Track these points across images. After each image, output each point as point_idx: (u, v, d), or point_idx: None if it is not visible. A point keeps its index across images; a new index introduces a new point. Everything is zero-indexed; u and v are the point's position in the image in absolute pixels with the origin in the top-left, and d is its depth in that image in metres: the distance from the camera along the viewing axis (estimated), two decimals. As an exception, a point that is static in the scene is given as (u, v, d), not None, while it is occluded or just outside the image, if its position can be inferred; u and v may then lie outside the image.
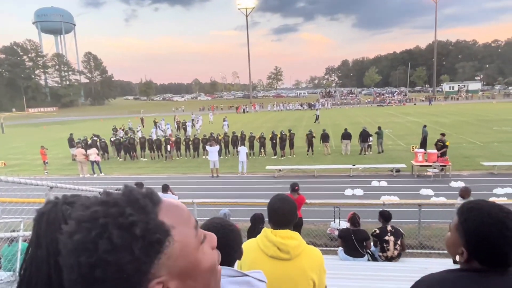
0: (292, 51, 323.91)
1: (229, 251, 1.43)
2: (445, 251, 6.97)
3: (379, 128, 19.03)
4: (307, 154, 18.66)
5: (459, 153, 17.17)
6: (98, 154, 17.35)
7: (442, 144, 14.58)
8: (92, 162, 16.72)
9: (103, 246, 0.51)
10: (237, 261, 2.07)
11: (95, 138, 20.79)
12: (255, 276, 1.31)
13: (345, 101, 73.98)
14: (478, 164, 14.68)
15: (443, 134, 15.33)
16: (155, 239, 0.55)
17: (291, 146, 18.89)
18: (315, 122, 35.06)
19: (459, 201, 7.01)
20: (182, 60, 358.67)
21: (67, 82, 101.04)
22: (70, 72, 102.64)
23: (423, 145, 17.41)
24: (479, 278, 1.13)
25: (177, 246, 0.57)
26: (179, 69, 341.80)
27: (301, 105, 62.07)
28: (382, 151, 18.40)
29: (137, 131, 28.51)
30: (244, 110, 57.90)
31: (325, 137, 18.88)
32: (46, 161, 17.52)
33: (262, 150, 19.33)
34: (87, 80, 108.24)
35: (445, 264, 5.02)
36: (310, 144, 18.74)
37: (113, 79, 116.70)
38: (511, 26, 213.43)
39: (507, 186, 11.42)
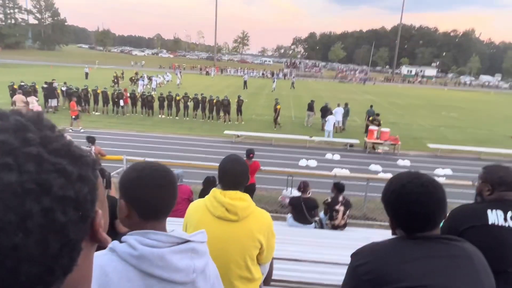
0: (261, 17, 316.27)
1: (168, 200, 1.20)
2: (387, 223, 7.43)
3: (346, 104, 19.13)
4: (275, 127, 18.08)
5: (409, 134, 18.09)
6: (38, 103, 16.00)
7: (378, 123, 15.42)
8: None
9: (57, 181, 0.42)
10: (183, 221, 1.96)
11: (45, 86, 19.08)
12: (197, 238, 1.17)
13: (309, 73, 74.48)
14: (425, 145, 15.59)
15: (377, 114, 16.20)
16: (99, 167, 0.51)
17: (239, 112, 18.57)
18: (291, 88, 39.94)
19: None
20: (144, 12, 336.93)
21: (13, 21, 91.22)
22: (16, 10, 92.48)
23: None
24: (402, 243, 1.24)
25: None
26: (141, 21, 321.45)
27: (263, 74, 61.46)
28: (344, 129, 18.47)
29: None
30: (207, 72, 56.23)
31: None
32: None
33: (222, 114, 18.99)
34: (36, 22, 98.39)
35: (386, 235, 5.31)
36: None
37: (66, 23, 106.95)
38: (469, 18, 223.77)
39: (447, 167, 12.31)
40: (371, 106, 18.89)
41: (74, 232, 0.45)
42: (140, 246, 1.07)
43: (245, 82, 37.14)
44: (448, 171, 11.89)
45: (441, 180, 9.81)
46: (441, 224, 1.30)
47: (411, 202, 1.20)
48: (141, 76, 29.89)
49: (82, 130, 14.61)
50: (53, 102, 18.56)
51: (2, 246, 0.39)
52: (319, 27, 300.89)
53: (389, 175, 10.52)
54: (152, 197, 1.16)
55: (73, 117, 14.91)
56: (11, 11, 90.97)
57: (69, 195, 0.43)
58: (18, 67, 46.76)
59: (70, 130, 14.64)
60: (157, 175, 1.18)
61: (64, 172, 0.43)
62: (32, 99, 15.63)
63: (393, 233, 1.33)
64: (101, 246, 0.58)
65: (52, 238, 0.42)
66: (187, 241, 1.13)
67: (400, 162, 13.09)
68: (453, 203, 2.02)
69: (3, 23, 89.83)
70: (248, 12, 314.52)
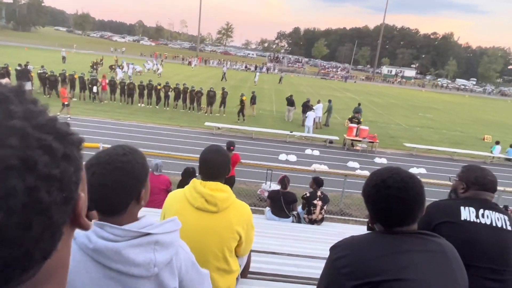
0: (246, 10, 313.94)
1: (122, 188, 1.08)
2: (362, 219, 7.59)
3: (330, 101, 19.34)
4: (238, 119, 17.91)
5: (386, 133, 18.50)
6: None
7: (357, 121, 15.72)
8: None
9: (42, 158, 0.39)
10: (161, 211, 1.92)
11: (18, 68, 18.31)
12: (161, 230, 1.10)
13: (292, 68, 74.73)
14: (401, 144, 16.00)
15: (357, 112, 16.49)
16: (82, 143, 0.48)
17: (222, 105, 18.44)
18: (279, 83, 40.47)
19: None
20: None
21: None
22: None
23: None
24: (381, 238, 1.26)
25: None
26: (122, 6, 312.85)
27: (246, 67, 61.24)
28: (327, 125, 18.83)
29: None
30: (190, 62, 55.43)
31: (253, 100, 18.89)
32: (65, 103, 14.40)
33: (203, 105, 18.75)
34: (11, 1, 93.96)
35: (361, 230, 5.43)
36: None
37: (43, 4, 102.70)
38: (449, 22, 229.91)
39: (421, 166, 12.69)
40: (359, 104, 19.20)
41: (58, 214, 0.42)
42: (95, 239, 1.03)
43: (224, 74, 36.99)
44: (422, 170, 12.25)
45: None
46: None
47: (391, 196, 1.22)
48: (121, 64, 29.17)
49: (69, 118, 14.04)
50: (26, 86, 17.76)
51: None
52: (303, 23, 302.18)
53: (366, 172, 10.74)
54: (95, 196, 0.99)
55: (65, 103, 14.26)
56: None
57: (54, 174, 0.40)
58: (-11, 47, 44.60)
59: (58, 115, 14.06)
60: (107, 169, 1.07)
61: (50, 149, 0.40)
62: (4, 81, 14.93)
63: (370, 228, 1.37)
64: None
65: (35, 220, 0.39)
66: (148, 234, 1.08)
67: (377, 160, 13.38)
68: (426, 201, 2.08)
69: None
70: (234, 4, 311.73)
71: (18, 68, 18.22)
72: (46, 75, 18.14)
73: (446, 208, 1.86)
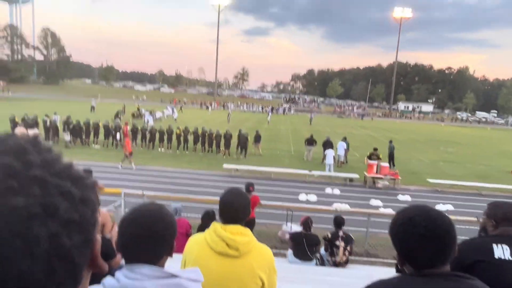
0: (260, 54, 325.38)
1: (154, 243, 1.19)
2: (390, 260, 7.23)
3: (345, 138, 19.22)
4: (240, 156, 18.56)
5: (408, 169, 18.08)
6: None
7: (376, 157, 15.46)
8: None
9: (62, 204, 0.41)
10: (182, 256, 1.91)
11: (46, 118, 19.36)
12: (189, 276, 1.14)
13: (308, 108, 75.66)
14: (424, 180, 15.53)
15: (375, 149, 16.15)
16: (96, 186, 0.51)
17: (239, 147, 18.68)
18: (310, 124, 40.34)
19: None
20: (147, 48, 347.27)
21: (19, 57, 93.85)
22: (23, 46, 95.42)
23: (391, 159, 18.13)
24: (411, 281, 1.19)
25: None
26: (144, 57, 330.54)
27: (262, 109, 62.56)
28: (347, 162, 18.61)
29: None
30: (207, 107, 57.15)
31: (257, 138, 19.13)
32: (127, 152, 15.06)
33: (222, 148, 19.05)
34: (42, 58, 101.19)
35: (389, 272, 5.16)
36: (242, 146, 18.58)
37: (71, 59, 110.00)
38: (462, 57, 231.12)
39: (448, 203, 12.20)
40: (391, 141, 18.99)
41: (78, 258, 0.43)
42: (124, 279, 1.09)
43: (228, 116, 38.02)
44: (449, 207, 11.76)
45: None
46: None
47: (419, 235, 1.17)
48: (146, 111, 30.74)
49: (134, 167, 14.72)
50: (66, 137, 18.56)
51: (8, 274, 0.36)
52: (317, 64, 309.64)
53: (390, 210, 10.40)
54: (128, 246, 1.17)
55: (128, 153, 14.86)
56: (19, 47, 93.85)
57: (74, 218, 0.42)
58: (22, 101, 47.48)
59: (120, 167, 14.68)
60: (139, 223, 1.19)
61: (68, 195, 0.42)
62: (33, 132, 15.73)
63: (399, 270, 1.30)
64: (96, 275, 0.55)
65: (58, 264, 0.40)
66: (174, 276, 1.11)
67: (401, 197, 12.98)
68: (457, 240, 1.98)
69: (10, 59, 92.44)
70: (248, 50, 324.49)
71: (45, 118, 19.24)
72: (72, 125, 18.99)
73: (478, 246, 1.77)
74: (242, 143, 18.56)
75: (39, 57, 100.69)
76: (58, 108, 31.68)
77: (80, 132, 19.04)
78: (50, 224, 0.39)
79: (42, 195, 0.39)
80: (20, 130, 16.68)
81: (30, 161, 0.41)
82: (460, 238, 2.33)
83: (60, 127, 19.29)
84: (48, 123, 19.18)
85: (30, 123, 18.56)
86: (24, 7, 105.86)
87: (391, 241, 1.29)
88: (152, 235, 1.17)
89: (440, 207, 11.68)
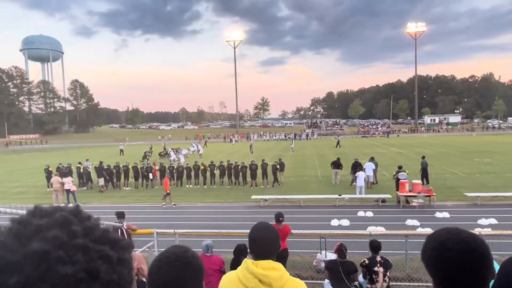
0: (278, 83, 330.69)
1: (192, 282, 1.25)
2: (433, 284, 6.82)
3: (372, 158, 18.92)
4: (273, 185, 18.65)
5: (443, 184, 17.35)
6: (73, 183, 16.78)
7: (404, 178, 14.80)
8: (67, 191, 16.11)
9: (103, 267, 0.47)
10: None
11: (79, 165, 20.31)
12: None
13: (331, 131, 75.14)
14: (462, 194, 14.82)
15: (400, 167, 15.54)
16: (131, 248, 0.56)
17: (265, 176, 18.76)
18: (336, 147, 40.19)
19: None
20: (169, 89, 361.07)
21: (52, 109, 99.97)
22: (55, 99, 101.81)
23: (424, 176, 17.59)
24: None
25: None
26: (167, 98, 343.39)
27: (285, 136, 62.75)
28: (377, 182, 18.24)
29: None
30: (231, 139, 57.96)
31: (281, 167, 19.01)
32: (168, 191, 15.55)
33: (248, 179, 19.10)
34: (73, 108, 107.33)
35: (434, 297, 4.87)
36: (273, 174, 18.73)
37: (99, 106, 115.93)
38: (485, 63, 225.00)
39: (490, 216, 11.50)
40: (423, 157, 18.48)
41: None
42: None
43: (251, 146, 38.40)
44: (492, 221, 11.09)
45: (486, 231, 9.12)
46: (491, 283, 1.22)
47: (452, 259, 1.15)
48: (171, 150, 31.63)
49: (174, 205, 15.26)
50: (101, 181, 19.28)
51: None
52: (335, 87, 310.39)
53: (428, 230, 9.93)
54: None
55: (167, 192, 15.39)
56: (51, 100, 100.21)
57: (113, 279, 0.47)
58: (55, 151, 50.00)
59: (164, 205, 15.27)
60: (165, 270, 1.25)
61: (107, 258, 0.48)
62: (68, 180, 16.42)
63: None
64: None
65: None
66: None
67: (438, 214, 12.40)
68: (503, 255, 1.88)
69: (44, 112, 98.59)
70: (266, 80, 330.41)
71: (79, 166, 20.13)
72: (103, 170, 19.69)
73: None
74: (268, 172, 18.59)
75: (69, 107, 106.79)
76: (90, 154, 33.05)
77: (111, 176, 19.68)
78: (93, 286, 0.44)
79: (86, 261, 0.45)
80: (55, 179, 17.33)
81: (74, 231, 0.47)
82: (509, 253, 2.21)
83: (93, 173, 20.00)
84: (81, 170, 20.00)
85: (64, 172, 19.40)
86: (55, 64, 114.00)
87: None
88: (178, 281, 1.23)
89: (483, 221, 11.05)
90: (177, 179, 19.56)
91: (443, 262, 1.17)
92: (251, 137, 53.80)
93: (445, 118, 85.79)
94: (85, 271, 0.45)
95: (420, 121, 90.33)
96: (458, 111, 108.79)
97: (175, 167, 19.91)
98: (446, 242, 1.18)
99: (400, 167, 15.58)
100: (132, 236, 7.88)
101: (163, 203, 15.30)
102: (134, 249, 7.21)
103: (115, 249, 0.51)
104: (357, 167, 17.26)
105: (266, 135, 65.35)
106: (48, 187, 18.73)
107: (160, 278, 1.23)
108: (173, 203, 15.27)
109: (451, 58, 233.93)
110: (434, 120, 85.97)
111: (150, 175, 19.35)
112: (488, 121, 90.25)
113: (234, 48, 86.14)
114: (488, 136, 54.04)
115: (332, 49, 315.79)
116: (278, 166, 18.63)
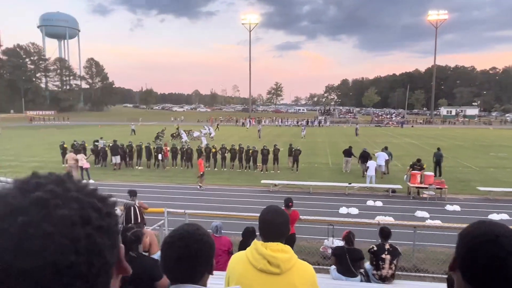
0: (293, 68, 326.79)
1: (194, 263, 1.31)
2: (440, 275, 6.85)
3: (386, 148, 18.73)
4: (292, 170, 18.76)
5: (455, 177, 17.13)
6: (87, 160, 17.13)
7: (419, 167, 14.66)
8: (81, 168, 16.47)
9: (93, 215, 0.56)
10: (225, 274, 1.98)
11: (96, 143, 20.81)
12: None
13: (344, 119, 74.39)
14: (474, 188, 14.64)
15: (419, 160, 15.19)
16: (116, 204, 0.65)
17: (276, 161, 18.76)
18: (356, 135, 39.43)
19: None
20: (183, 70, 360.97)
21: (68, 87, 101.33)
22: (71, 77, 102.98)
23: (437, 168, 17.40)
24: None
25: None
26: (180, 79, 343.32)
27: (297, 122, 62.35)
28: (388, 173, 18.04)
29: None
30: (243, 123, 57.98)
31: (290, 152, 19.05)
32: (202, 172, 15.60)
33: (259, 164, 19.19)
34: (88, 86, 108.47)
35: (440, 288, 4.89)
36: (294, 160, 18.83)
37: (114, 86, 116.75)
38: (507, 55, 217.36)
39: (502, 212, 11.37)
40: (438, 149, 18.16)
41: (109, 256, 0.57)
42: None
43: (259, 131, 37.92)
44: (504, 216, 10.96)
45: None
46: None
47: (502, 259, 0.94)
48: (184, 131, 32.04)
49: (201, 188, 15.21)
50: (116, 159, 19.61)
51: (61, 264, 0.50)
52: (350, 74, 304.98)
53: (438, 222, 9.88)
54: (170, 268, 1.31)
55: (201, 173, 15.46)
56: (67, 78, 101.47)
57: (103, 225, 0.57)
58: (70, 128, 50.92)
59: (199, 187, 15.21)
60: (178, 246, 1.31)
61: (97, 209, 0.57)
62: (81, 157, 16.77)
63: (452, 286, 1.14)
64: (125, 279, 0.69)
65: (95, 259, 0.54)
66: None
67: (449, 207, 12.30)
68: None
69: (60, 89, 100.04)
70: (281, 64, 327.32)
71: (96, 143, 20.62)
72: (118, 148, 19.96)
73: None
74: (280, 158, 18.64)
75: (84, 86, 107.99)
76: (103, 133, 33.56)
77: (125, 155, 19.99)
78: (86, 228, 0.54)
79: (79, 208, 0.55)
80: (70, 156, 17.69)
81: (68, 187, 0.57)
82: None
83: (108, 151, 20.35)
84: (98, 148, 20.41)
85: (78, 149, 19.79)
86: (71, 42, 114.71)
87: (452, 257, 1.05)
88: (190, 256, 1.29)
89: (494, 216, 10.93)
90: (187, 161, 19.74)
91: (491, 260, 0.95)
92: (261, 122, 53.67)
93: (462, 111, 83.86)
94: (79, 216, 0.54)
95: (436, 113, 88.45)
96: (476, 104, 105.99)
97: (187, 149, 20.05)
98: (501, 240, 0.96)
99: (419, 160, 15.18)
100: (144, 214, 8.08)
101: (199, 184, 15.34)
102: (146, 226, 7.40)
103: (103, 203, 0.60)
104: (364, 157, 17.11)
105: (278, 121, 65.10)
106: (63, 163, 19.18)
107: (174, 254, 1.29)
108: (199, 185, 15.25)
109: (472, 48, 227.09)
110: (451, 112, 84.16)
111: (160, 156, 19.54)
112: (507, 115, 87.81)
113: (250, 31, 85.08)
114: (505, 131, 52.71)
115: (349, 35, 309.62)
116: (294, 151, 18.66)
